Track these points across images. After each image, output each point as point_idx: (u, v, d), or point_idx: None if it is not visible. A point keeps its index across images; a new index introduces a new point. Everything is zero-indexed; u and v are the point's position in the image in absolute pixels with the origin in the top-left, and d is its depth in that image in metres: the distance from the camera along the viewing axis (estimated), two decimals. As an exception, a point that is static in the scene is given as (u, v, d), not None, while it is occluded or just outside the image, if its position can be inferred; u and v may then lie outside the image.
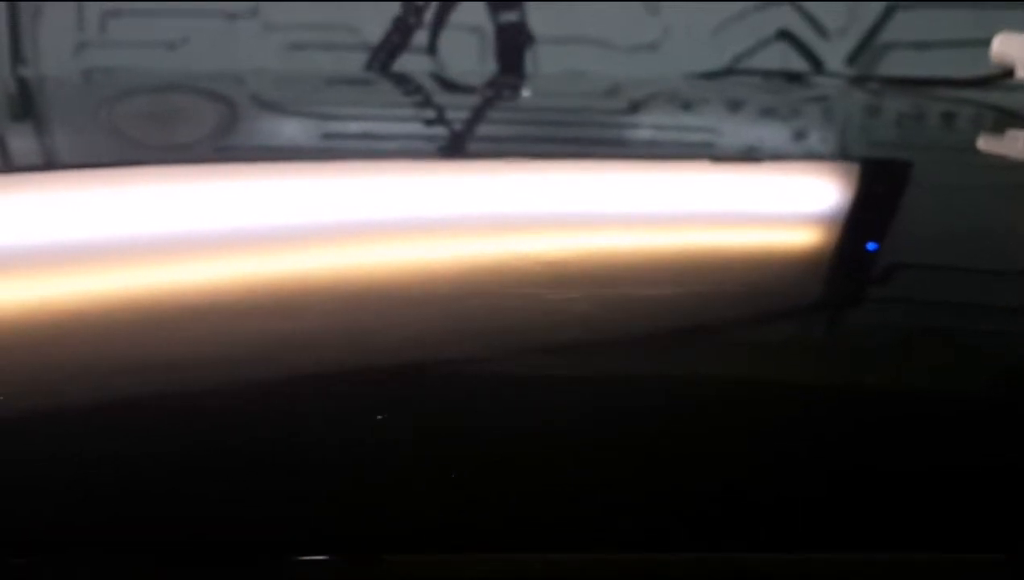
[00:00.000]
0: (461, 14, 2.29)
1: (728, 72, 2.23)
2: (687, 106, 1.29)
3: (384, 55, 2.24)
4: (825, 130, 1.18)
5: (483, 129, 1.09)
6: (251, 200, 0.68)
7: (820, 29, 2.34)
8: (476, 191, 0.76)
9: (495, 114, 1.21)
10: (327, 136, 1.03)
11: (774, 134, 1.11)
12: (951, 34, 2.33)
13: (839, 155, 1.00)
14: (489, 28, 2.29)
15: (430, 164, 0.85)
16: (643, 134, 1.10)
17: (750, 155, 0.99)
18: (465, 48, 2.29)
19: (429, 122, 1.15)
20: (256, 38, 2.23)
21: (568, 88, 1.45)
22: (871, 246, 0.72)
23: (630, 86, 1.64)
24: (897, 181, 0.87)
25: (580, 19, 2.30)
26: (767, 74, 2.22)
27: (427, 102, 1.29)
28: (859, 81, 2.29)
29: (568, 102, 1.30)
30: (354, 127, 1.08)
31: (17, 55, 2.18)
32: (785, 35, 2.33)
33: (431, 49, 2.28)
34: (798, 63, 2.34)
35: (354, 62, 2.26)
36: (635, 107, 1.34)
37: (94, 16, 2.18)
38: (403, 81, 1.55)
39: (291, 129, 1.05)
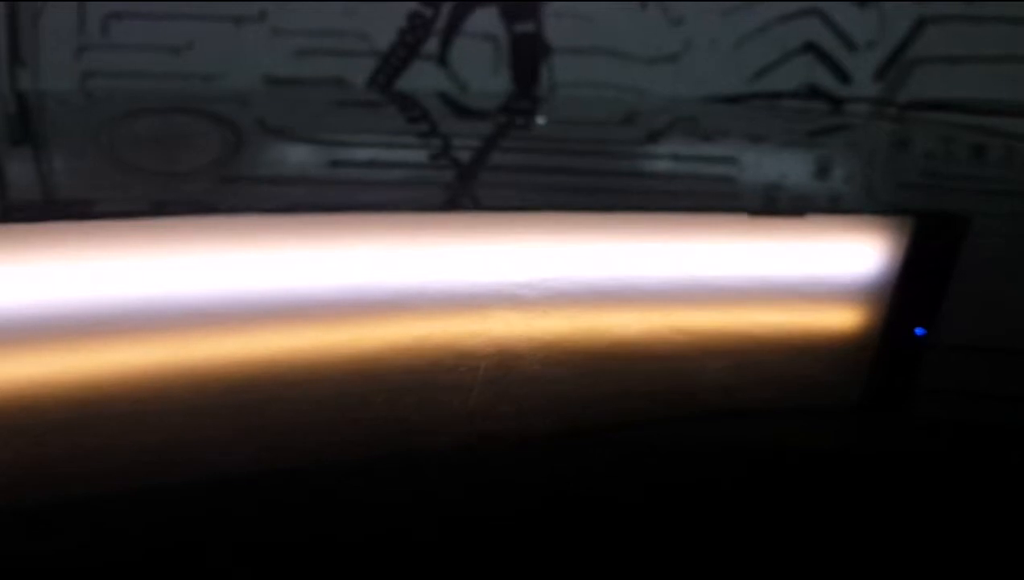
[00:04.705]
0: (474, 22, 2.21)
1: (756, 96, 2.16)
2: (712, 140, 1.21)
3: (391, 68, 2.17)
4: (883, 177, 1.09)
5: (490, 168, 1.01)
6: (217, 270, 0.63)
7: (848, 42, 2.27)
8: (475, 256, 0.68)
9: (504, 147, 1.13)
10: (323, 174, 0.95)
11: (829, 184, 1.02)
12: (982, 49, 2.27)
13: (894, 206, 0.91)
14: (504, 36, 2.21)
15: (426, 220, 0.77)
16: (664, 176, 1.01)
17: (788, 207, 0.90)
18: (478, 57, 2.21)
19: (433, 157, 1.07)
20: (263, 43, 2.16)
21: (585, 116, 1.38)
22: (919, 331, 0.64)
23: (650, 112, 1.56)
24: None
25: (599, 30, 2.22)
26: (814, 97, 2.14)
27: (431, 132, 1.21)
28: (909, 108, 2.20)
29: (585, 134, 1.22)
30: (356, 157, 1.01)
31: (16, 57, 2.13)
32: (811, 47, 2.26)
33: (442, 59, 2.20)
34: (824, 76, 2.26)
35: (362, 69, 2.19)
36: (655, 139, 1.26)
37: (95, 18, 2.12)
38: (407, 105, 1.47)
39: (289, 161, 0.99)
